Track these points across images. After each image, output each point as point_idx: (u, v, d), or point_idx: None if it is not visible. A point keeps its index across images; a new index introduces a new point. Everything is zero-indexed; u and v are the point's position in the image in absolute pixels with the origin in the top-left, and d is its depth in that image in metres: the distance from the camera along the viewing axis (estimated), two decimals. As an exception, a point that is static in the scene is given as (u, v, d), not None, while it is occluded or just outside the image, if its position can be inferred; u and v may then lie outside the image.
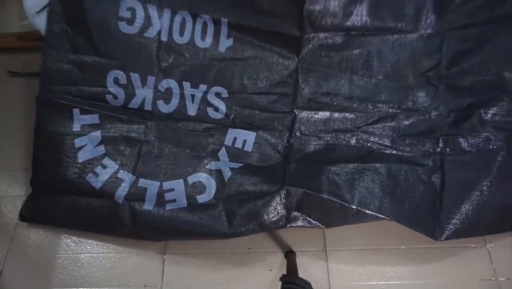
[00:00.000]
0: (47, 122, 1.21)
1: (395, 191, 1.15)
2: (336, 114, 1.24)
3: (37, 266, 1.24)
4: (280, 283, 1.00)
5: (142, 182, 1.19)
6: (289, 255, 1.22)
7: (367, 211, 1.10)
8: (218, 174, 1.19)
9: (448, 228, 1.14)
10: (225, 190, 1.17)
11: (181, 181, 1.19)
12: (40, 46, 1.59)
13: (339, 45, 1.23)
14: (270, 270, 1.22)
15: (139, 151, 1.22)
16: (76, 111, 1.20)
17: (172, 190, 1.18)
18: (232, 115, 1.24)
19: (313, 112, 1.24)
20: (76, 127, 1.21)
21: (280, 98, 1.25)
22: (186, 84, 1.23)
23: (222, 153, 1.23)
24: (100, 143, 1.21)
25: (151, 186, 1.18)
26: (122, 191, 1.17)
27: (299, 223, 1.14)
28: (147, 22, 1.20)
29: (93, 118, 1.22)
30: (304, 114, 1.24)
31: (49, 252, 1.26)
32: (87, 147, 1.20)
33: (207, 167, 1.21)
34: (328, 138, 1.24)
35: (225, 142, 1.23)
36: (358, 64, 1.23)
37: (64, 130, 1.20)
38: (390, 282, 1.21)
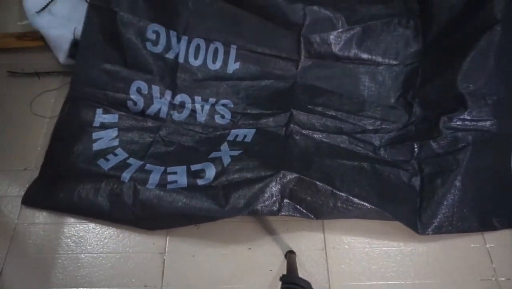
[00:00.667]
0: (71, 117, 1.38)
1: (380, 187, 1.25)
2: (328, 121, 1.41)
3: (37, 266, 1.24)
4: (280, 283, 1.00)
5: (149, 166, 1.29)
6: (289, 255, 1.22)
7: (355, 199, 1.17)
8: (218, 161, 1.28)
9: (429, 225, 1.23)
10: (224, 174, 1.24)
11: (184, 167, 1.28)
12: (39, 46, 1.60)
13: (331, 69, 1.48)
14: (270, 270, 1.22)
15: (149, 145, 1.37)
16: (99, 111, 1.39)
17: (175, 173, 1.26)
18: (236, 120, 1.44)
19: (308, 114, 1.41)
20: (96, 123, 1.37)
21: (280, 105, 1.45)
22: (198, 98, 1.45)
23: (224, 146, 1.35)
24: (115, 137, 1.36)
25: (156, 170, 1.27)
26: (128, 172, 1.26)
27: (291, 211, 1.20)
28: (168, 46, 1.43)
29: (113, 118, 1.39)
30: (301, 113, 1.41)
31: (49, 252, 1.26)
32: (103, 139, 1.35)
33: (210, 156, 1.31)
34: (323, 136, 1.38)
35: (228, 138, 1.38)
36: (347, 86, 1.46)
37: (86, 124, 1.36)
38: (390, 282, 1.21)
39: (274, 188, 1.18)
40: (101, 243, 1.28)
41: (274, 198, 1.17)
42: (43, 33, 1.55)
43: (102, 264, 1.25)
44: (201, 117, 1.44)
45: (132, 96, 1.41)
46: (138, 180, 1.23)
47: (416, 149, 1.33)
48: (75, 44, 1.51)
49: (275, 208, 1.17)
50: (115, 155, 1.32)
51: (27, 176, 1.38)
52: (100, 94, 1.40)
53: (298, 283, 0.97)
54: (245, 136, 1.37)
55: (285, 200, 1.19)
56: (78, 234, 1.29)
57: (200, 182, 1.24)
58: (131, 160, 1.31)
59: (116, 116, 1.40)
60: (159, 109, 1.42)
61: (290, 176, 1.18)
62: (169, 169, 1.27)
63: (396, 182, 1.28)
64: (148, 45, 1.41)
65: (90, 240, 1.28)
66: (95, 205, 1.23)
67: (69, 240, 1.28)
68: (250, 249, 1.26)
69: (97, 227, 1.30)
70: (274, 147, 1.32)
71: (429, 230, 1.23)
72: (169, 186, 1.22)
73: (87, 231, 1.30)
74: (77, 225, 1.31)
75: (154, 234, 1.28)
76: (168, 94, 1.43)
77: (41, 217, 1.32)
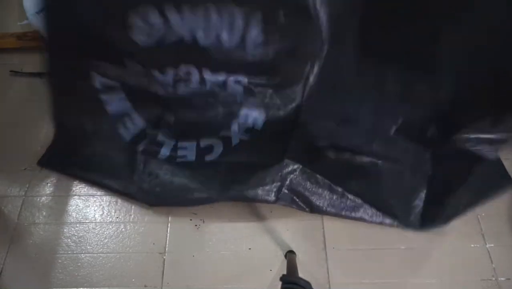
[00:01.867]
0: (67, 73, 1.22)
1: (378, 187, 1.27)
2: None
3: (37, 266, 1.24)
4: (280, 283, 1.00)
5: (161, 138, 1.33)
6: (289, 255, 1.22)
7: (349, 195, 1.23)
8: (227, 140, 1.30)
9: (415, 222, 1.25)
10: (230, 154, 1.28)
11: (194, 143, 1.31)
12: (39, 46, 1.60)
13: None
14: (270, 270, 1.23)
15: (162, 113, 1.34)
16: (94, 74, 1.23)
17: (185, 148, 1.31)
18: (248, 91, 1.23)
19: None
20: (98, 85, 1.25)
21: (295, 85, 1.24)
22: (206, 70, 1.19)
23: (234, 126, 1.34)
24: (126, 99, 1.31)
25: (167, 143, 1.32)
26: (143, 144, 1.31)
27: (288, 202, 1.23)
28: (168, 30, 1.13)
29: (113, 84, 1.27)
30: (310, 108, 1.24)
31: (49, 252, 1.26)
32: (115, 103, 1.30)
33: (220, 134, 1.32)
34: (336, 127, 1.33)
35: (239, 120, 1.33)
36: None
37: (87, 85, 1.23)
38: (390, 282, 1.21)
39: (275, 176, 1.21)
40: (101, 243, 1.28)
41: (274, 186, 1.21)
42: (43, 33, 1.55)
43: (102, 264, 1.25)
44: (211, 85, 1.23)
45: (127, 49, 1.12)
46: (150, 152, 1.29)
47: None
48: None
49: (273, 197, 1.21)
50: (133, 122, 1.33)
51: (27, 176, 1.38)
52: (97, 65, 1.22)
53: (298, 283, 0.97)
54: (255, 121, 1.32)
55: (284, 190, 1.22)
56: (78, 234, 1.29)
57: (207, 157, 1.29)
58: (148, 130, 1.34)
59: (117, 83, 1.28)
60: (163, 83, 1.22)
61: (293, 166, 1.23)
62: (179, 144, 1.32)
63: (397, 181, 1.28)
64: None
65: (90, 240, 1.28)
66: (109, 169, 1.31)
67: (69, 240, 1.28)
68: (250, 249, 1.26)
69: (97, 227, 1.31)
70: (282, 135, 1.31)
71: (416, 227, 1.24)
72: (177, 160, 1.29)
73: (87, 231, 1.30)
74: (77, 225, 1.31)
75: (154, 234, 1.28)
76: (169, 74, 1.21)
77: (41, 217, 1.32)
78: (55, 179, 1.39)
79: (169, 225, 1.30)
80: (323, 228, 1.29)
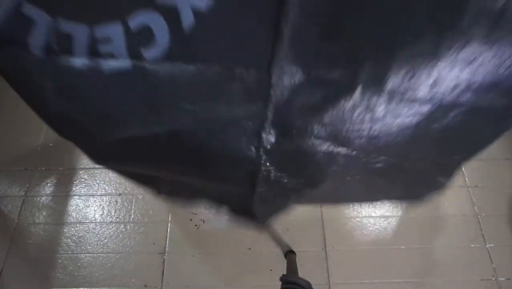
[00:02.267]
0: None
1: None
2: None
3: (37, 266, 1.25)
4: (280, 283, 1.00)
5: (65, 26, 0.70)
6: (289, 255, 1.22)
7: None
8: (172, 17, 0.69)
9: None
10: (183, 44, 0.70)
11: (119, 24, 0.70)
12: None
13: None
14: (270, 270, 1.22)
15: None
16: None
17: (108, 39, 0.71)
18: None
19: None
20: None
21: None
22: None
23: None
24: None
25: (79, 32, 0.70)
26: (37, 37, 0.70)
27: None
28: None
29: None
30: None
31: (49, 252, 1.26)
32: None
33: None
34: None
35: None
36: None
37: None
38: (390, 282, 1.21)
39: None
40: (101, 243, 1.28)
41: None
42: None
43: (102, 264, 1.25)
44: None
45: None
46: (57, 52, 0.70)
47: None
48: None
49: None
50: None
51: (27, 176, 1.38)
52: None
53: (298, 283, 0.97)
54: None
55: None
56: (78, 234, 1.29)
57: (148, 54, 0.70)
58: (28, 8, 0.67)
59: None
60: None
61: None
62: (98, 31, 0.69)
63: None
64: None
65: (90, 240, 1.28)
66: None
67: (69, 240, 1.28)
68: (250, 249, 1.26)
69: (97, 227, 1.31)
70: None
71: None
72: (104, 64, 0.72)
73: (87, 231, 1.30)
74: (77, 225, 1.31)
75: (154, 234, 1.28)
76: None
77: (41, 217, 1.32)
78: (55, 179, 1.39)
79: (169, 225, 1.30)
80: (323, 228, 1.29)
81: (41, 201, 1.35)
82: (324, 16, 0.66)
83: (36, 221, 1.31)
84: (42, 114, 0.79)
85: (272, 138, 0.73)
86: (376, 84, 0.67)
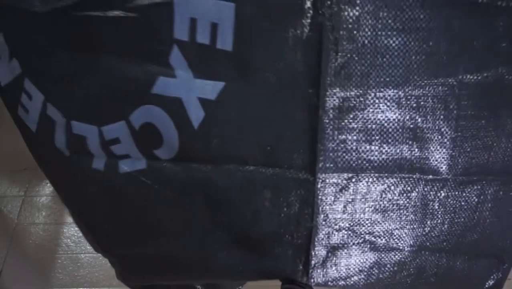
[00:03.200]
0: None
1: None
2: None
3: (37, 266, 1.24)
4: (280, 283, 0.99)
5: (77, 127, 0.66)
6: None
7: None
8: (177, 109, 0.58)
9: None
10: (196, 141, 0.59)
11: (123, 124, 0.63)
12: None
13: None
14: (270, 270, 1.22)
15: (54, 70, 0.66)
16: None
17: (117, 140, 0.64)
18: None
19: None
20: None
21: None
22: None
23: (176, 58, 0.54)
24: (11, 55, 0.69)
25: (90, 133, 0.66)
26: (60, 137, 0.68)
27: None
28: None
29: None
30: None
31: (49, 252, 1.26)
32: (2, 62, 0.71)
33: (154, 90, 0.56)
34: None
35: (176, 34, 0.50)
36: None
37: None
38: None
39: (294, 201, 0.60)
40: (101, 243, 1.28)
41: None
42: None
43: (102, 264, 1.25)
44: None
45: None
46: (79, 152, 0.67)
47: None
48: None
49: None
50: (29, 96, 0.69)
51: (27, 176, 1.38)
52: None
53: (298, 284, 0.96)
54: (214, 28, 0.48)
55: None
56: (78, 234, 1.29)
57: (161, 154, 0.62)
58: (50, 110, 0.67)
59: None
60: None
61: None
62: (105, 132, 0.64)
63: None
64: None
65: (90, 240, 1.28)
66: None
67: (69, 240, 1.28)
68: (250, 249, 1.26)
69: (97, 227, 1.31)
70: (294, 65, 0.50)
71: None
72: (121, 165, 0.65)
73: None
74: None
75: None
76: None
77: (41, 217, 1.32)
78: (55, 179, 1.39)
79: (169, 225, 1.30)
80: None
81: (41, 201, 1.35)
82: None
83: (36, 221, 1.31)
84: (75, 213, 0.76)
85: (323, 253, 0.62)
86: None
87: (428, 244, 0.64)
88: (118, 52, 0.56)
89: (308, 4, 0.46)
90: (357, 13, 0.48)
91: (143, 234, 0.68)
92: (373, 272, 0.65)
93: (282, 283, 1.01)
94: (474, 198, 0.62)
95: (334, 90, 0.50)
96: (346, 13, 0.48)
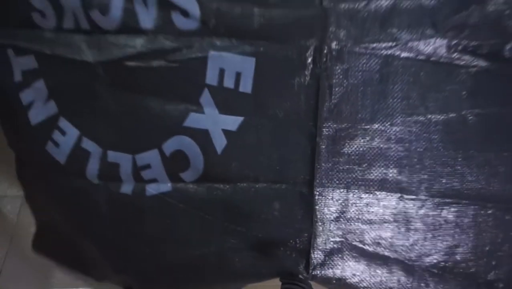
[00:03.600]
0: None
1: None
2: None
3: (37, 266, 1.24)
4: (280, 283, 0.99)
5: (111, 155, 0.80)
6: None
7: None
8: (203, 137, 0.71)
9: None
10: (218, 166, 0.72)
11: (156, 152, 0.76)
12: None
13: None
14: (270, 270, 1.22)
15: (94, 109, 0.79)
16: (10, 52, 0.80)
17: (148, 166, 0.78)
18: (212, 21, 0.64)
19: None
20: (17, 75, 0.80)
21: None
22: None
23: (206, 99, 0.69)
24: (48, 97, 0.80)
25: (123, 161, 0.79)
26: (93, 166, 0.81)
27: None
28: None
29: (30, 61, 0.79)
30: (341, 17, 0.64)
31: (49, 252, 1.26)
32: (36, 103, 0.81)
33: (186, 124, 0.71)
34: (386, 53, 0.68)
35: (207, 80, 0.67)
36: None
37: (6, 80, 0.82)
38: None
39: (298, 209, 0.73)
40: (101, 243, 1.28)
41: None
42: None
43: (102, 264, 1.25)
44: (148, 19, 0.66)
45: (34, 3, 0.73)
46: (109, 179, 0.81)
47: None
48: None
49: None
50: (63, 132, 0.80)
51: (27, 176, 1.38)
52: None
53: (298, 284, 0.96)
54: (238, 77, 0.66)
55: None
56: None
57: (186, 177, 0.75)
58: (85, 143, 0.80)
59: (33, 58, 0.78)
60: (75, 16, 0.71)
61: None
62: (138, 159, 0.78)
63: None
64: None
65: (90, 240, 1.28)
66: (67, 209, 0.87)
67: (69, 240, 1.28)
68: (250, 249, 1.26)
69: (97, 227, 1.31)
70: (299, 103, 0.66)
71: None
72: (148, 189, 0.79)
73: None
74: (77, 225, 1.31)
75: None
76: None
77: (41, 217, 1.32)
78: (55, 179, 1.39)
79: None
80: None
81: (41, 201, 1.35)
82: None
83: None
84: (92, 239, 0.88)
85: (321, 257, 0.75)
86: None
87: (412, 255, 0.74)
88: (158, 94, 0.70)
89: (309, 60, 0.63)
90: (345, 67, 0.63)
91: (166, 248, 0.80)
92: (365, 276, 0.76)
93: (282, 283, 1.02)
94: (453, 218, 0.72)
95: (329, 124, 0.66)
96: (337, 67, 0.64)
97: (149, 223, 0.81)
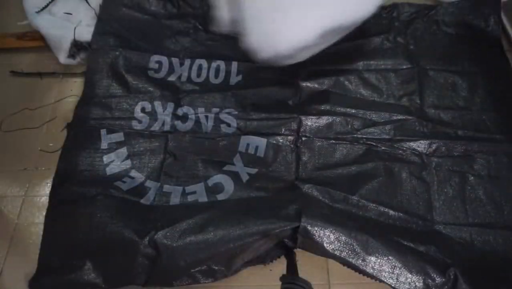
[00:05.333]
0: (77, 144, 1.36)
1: (389, 184, 1.29)
2: (337, 119, 1.41)
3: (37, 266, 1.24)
4: (280, 283, 1.00)
5: (166, 188, 1.30)
6: (289, 255, 1.22)
7: (366, 202, 1.25)
8: (235, 176, 1.31)
9: (439, 220, 1.24)
10: (242, 190, 1.29)
11: (202, 184, 1.30)
12: (39, 46, 1.60)
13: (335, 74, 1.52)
14: (270, 270, 1.22)
15: (162, 162, 1.35)
16: (103, 131, 1.38)
17: (194, 192, 1.29)
18: (243, 128, 1.41)
19: (316, 118, 1.41)
20: (104, 145, 1.35)
21: (286, 109, 1.44)
22: (201, 109, 1.44)
23: (237, 159, 1.35)
24: (126, 158, 1.34)
25: (175, 191, 1.29)
26: (150, 195, 1.28)
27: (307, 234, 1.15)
28: (171, 70, 1.52)
29: (119, 136, 1.37)
30: (309, 118, 1.41)
31: (49, 252, 1.26)
32: (115, 162, 1.34)
33: (225, 168, 1.33)
34: (331, 137, 1.39)
35: (239, 149, 1.36)
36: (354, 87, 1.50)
37: (94, 148, 1.35)
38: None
39: (291, 206, 1.17)
40: (101, 243, 1.28)
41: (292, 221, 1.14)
42: (43, 33, 1.55)
43: (102, 264, 1.25)
44: (207, 127, 1.40)
45: (136, 115, 1.41)
46: (160, 201, 1.27)
47: (425, 145, 1.35)
48: (75, 44, 1.52)
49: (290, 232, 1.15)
50: (131, 177, 1.31)
51: (27, 176, 1.38)
52: (105, 118, 1.40)
53: (298, 283, 0.97)
54: (256, 149, 1.36)
55: (302, 223, 1.12)
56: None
57: (220, 196, 1.27)
58: (148, 183, 1.30)
59: (122, 134, 1.37)
60: (163, 122, 1.41)
61: (307, 190, 1.27)
62: (187, 189, 1.29)
63: (406, 177, 1.30)
64: (150, 73, 1.49)
65: (90, 240, 1.28)
66: (120, 220, 1.18)
67: (69, 240, 1.28)
68: (250, 249, 1.26)
69: (97, 227, 1.30)
70: (288, 162, 1.35)
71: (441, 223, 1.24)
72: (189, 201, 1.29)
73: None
74: (77, 225, 1.31)
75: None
76: (170, 107, 1.44)
77: (41, 217, 1.31)
78: (55, 179, 1.39)
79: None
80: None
81: (41, 201, 1.35)
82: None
83: (36, 221, 1.31)
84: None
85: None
86: None
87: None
88: (207, 160, 1.36)
89: (292, 138, 1.40)
90: (313, 141, 1.39)
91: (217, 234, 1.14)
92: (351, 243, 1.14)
93: (282, 283, 1.03)
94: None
95: (305, 170, 1.34)
96: (309, 140, 1.39)
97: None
